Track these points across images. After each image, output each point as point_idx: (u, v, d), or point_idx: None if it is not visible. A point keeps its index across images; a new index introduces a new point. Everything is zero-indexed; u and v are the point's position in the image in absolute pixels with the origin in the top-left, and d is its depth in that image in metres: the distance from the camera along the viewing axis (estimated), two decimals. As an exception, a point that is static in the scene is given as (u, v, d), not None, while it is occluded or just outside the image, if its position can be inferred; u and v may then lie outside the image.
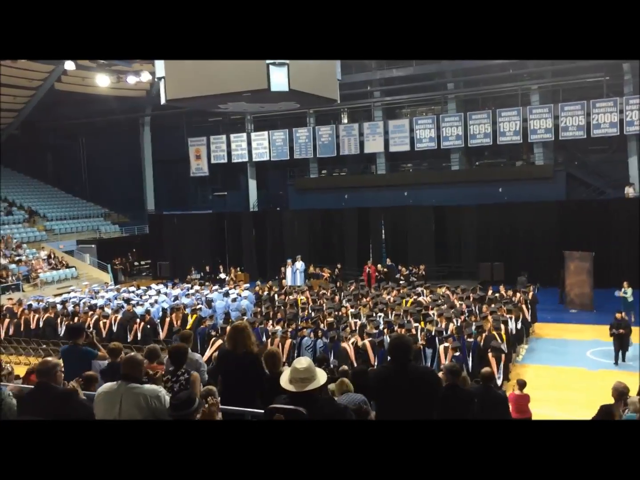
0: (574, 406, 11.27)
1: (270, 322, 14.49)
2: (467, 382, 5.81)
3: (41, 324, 16.94)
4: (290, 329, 13.49)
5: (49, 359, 3.96)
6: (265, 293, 19.00)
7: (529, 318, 15.86)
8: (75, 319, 16.35)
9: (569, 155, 27.76)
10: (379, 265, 23.39)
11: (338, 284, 20.93)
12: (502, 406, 6.59)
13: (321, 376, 3.65)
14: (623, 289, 17.44)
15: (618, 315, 14.20)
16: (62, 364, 5.81)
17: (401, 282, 21.64)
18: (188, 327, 15.27)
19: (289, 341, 12.86)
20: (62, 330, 16.33)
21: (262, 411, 3.78)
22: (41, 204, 33.76)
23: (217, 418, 3.50)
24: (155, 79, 7.06)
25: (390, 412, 4.24)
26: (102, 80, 27.80)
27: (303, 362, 3.62)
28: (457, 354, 11.65)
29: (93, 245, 30.97)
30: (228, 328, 5.20)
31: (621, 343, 13.98)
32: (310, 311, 15.85)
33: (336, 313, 14.99)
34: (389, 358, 4.64)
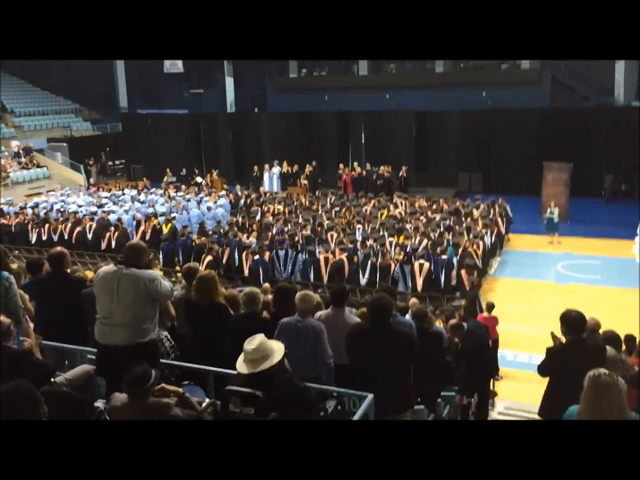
0: (539, 320, 11.44)
1: (245, 234, 14.36)
2: (432, 322, 5.80)
3: (12, 230, 16.62)
4: (266, 242, 13.39)
5: (2, 319, 3.77)
6: (242, 201, 18.72)
7: (503, 232, 15.95)
8: (47, 226, 16.06)
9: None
10: (356, 170, 22.99)
11: (317, 193, 20.58)
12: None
13: (277, 351, 3.36)
14: (549, 210, 17.34)
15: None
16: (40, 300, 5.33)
17: (379, 182, 21.49)
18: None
19: (267, 254, 12.79)
20: (32, 237, 16.06)
21: (227, 371, 3.63)
22: (8, 98, 32.13)
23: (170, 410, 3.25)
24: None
25: (366, 373, 4.21)
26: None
27: (253, 341, 3.32)
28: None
29: (64, 144, 29.97)
30: (195, 278, 4.94)
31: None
32: (287, 222, 15.67)
33: (314, 227, 14.84)
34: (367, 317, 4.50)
